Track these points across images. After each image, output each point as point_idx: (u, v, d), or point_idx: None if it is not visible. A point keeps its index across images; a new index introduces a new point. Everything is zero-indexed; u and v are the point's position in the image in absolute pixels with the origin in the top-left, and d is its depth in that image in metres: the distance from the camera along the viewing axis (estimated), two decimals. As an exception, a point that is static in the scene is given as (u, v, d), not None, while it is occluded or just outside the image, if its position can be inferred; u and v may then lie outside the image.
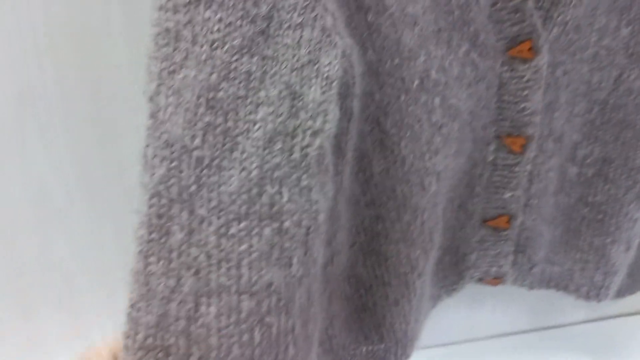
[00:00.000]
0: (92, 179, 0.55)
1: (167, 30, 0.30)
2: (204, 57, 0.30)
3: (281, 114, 0.31)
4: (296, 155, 0.32)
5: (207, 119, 0.31)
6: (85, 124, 0.53)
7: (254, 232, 0.32)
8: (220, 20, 0.30)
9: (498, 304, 0.75)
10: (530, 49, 0.45)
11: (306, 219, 0.33)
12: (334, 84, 0.32)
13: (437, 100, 0.42)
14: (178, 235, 0.31)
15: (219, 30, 0.30)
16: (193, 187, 0.31)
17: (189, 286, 0.31)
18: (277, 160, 0.32)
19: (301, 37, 0.31)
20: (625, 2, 0.47)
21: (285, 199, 0.32)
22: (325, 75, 0.32)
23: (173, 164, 0.31)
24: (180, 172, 0.31)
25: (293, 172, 0.32)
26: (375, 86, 0.40)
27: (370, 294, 0.48)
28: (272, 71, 0.31)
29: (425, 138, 0.43)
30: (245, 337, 0.32)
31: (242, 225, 0.32)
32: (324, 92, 0.32)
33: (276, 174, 0.32)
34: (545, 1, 0.44)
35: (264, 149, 0.32)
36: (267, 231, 0.32)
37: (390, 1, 0.37)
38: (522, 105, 0.47)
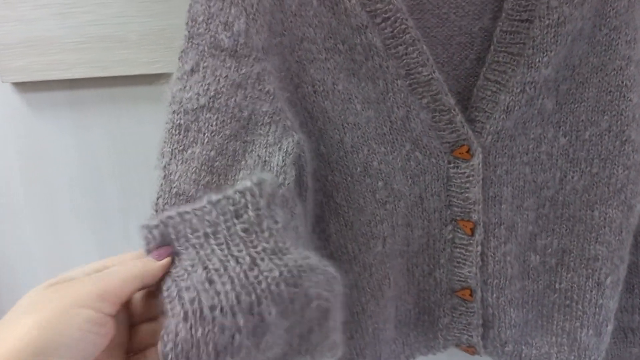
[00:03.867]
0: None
1: (179, 125, 0.50)
2: (206, 142, 0.50)
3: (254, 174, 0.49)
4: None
5: (207, 179, 0.50)
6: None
7: None
8: (217, 119, 0.50)
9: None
10: (467, 151, 0.58)
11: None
12: (291, 156, 0.49)
13: (380, 184, 0.57)
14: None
15: (216, 125, 0.50)
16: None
17: None
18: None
19: (269, 129, 0.50)
20: (560, 116, 0.58)
21: None
22: (285, 149, 0.49)
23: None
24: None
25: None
26: (328, 170, 0.56)
27: None
28: (250, 149, 0.50)
29: (370, 210, 0.57)
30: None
31: None
32: (283, 159, 0.49)
33: None
34: (477, 116, 0.57)
35: None
36: None
37: (333, 114, 0.55)
38: (466, 195, 0.59)
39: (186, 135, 0.50)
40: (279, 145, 0.50)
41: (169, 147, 0.50)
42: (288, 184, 0.49)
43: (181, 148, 0.50)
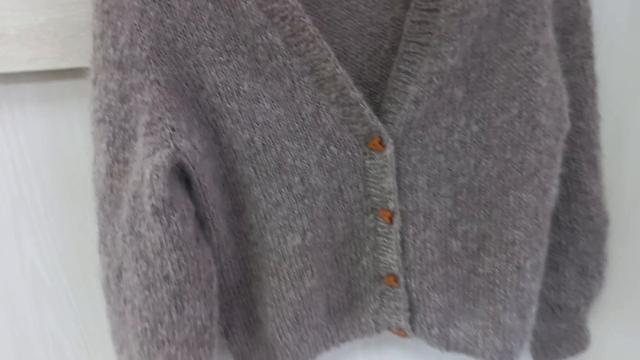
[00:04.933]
0: (72, 263, 0.72)
1: (92, 133, 0.55)
2: (105, 151, 0.54)
3: (137, 183, 0.52)
4: (145, 206, 0.52)
5: (110, 181, 0.54)
6: (64, 222, 0.70)
7: (134, 241, 0.53)
8: (110, 131, 0.53)
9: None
10: (380, 142, 0.58)
11: (156, 242, 0.53)
12: (161, 169, 0.51)
13: (296, 179, 0.58)
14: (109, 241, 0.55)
15: (110, 136, 0.53)
16: (110, 215, 0.55)
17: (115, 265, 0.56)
18: (139, 208, 0.53)
19: (145, 140, 0.52)
20: (471, 105, 0.58)
21: (143, 229, 0.53)
22: (155, 163, 0.51)
23: (99, 202, 0.55)
24: (103, 210, 0.56)
25: (145, 215, 0.53)
26: (243, 165, 0.58)
27: (259, 310, 0.64)
28: (135, 159, 0.53)
29: (287, 205, 0.59)
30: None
31: (129, 237, 0.53)
32: (151, 173, 0.51)
33: (138, 215, 0.53)
34: (390, 107, 0.58)
35: (133, 201, 0.53)
36: (141, 244, 0.53)
37: (241, 115, 0.56)
38: (382, 185, 0.60)
39: (95, 143, 0.56)
40: (151, 158, 0.52)
41: (93, 150, 0.56)
42: (160, 194, 0.51)
43: (95, 153, 0.56)
